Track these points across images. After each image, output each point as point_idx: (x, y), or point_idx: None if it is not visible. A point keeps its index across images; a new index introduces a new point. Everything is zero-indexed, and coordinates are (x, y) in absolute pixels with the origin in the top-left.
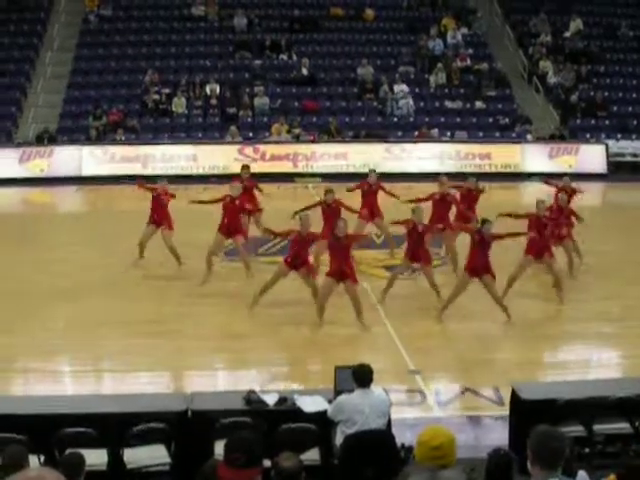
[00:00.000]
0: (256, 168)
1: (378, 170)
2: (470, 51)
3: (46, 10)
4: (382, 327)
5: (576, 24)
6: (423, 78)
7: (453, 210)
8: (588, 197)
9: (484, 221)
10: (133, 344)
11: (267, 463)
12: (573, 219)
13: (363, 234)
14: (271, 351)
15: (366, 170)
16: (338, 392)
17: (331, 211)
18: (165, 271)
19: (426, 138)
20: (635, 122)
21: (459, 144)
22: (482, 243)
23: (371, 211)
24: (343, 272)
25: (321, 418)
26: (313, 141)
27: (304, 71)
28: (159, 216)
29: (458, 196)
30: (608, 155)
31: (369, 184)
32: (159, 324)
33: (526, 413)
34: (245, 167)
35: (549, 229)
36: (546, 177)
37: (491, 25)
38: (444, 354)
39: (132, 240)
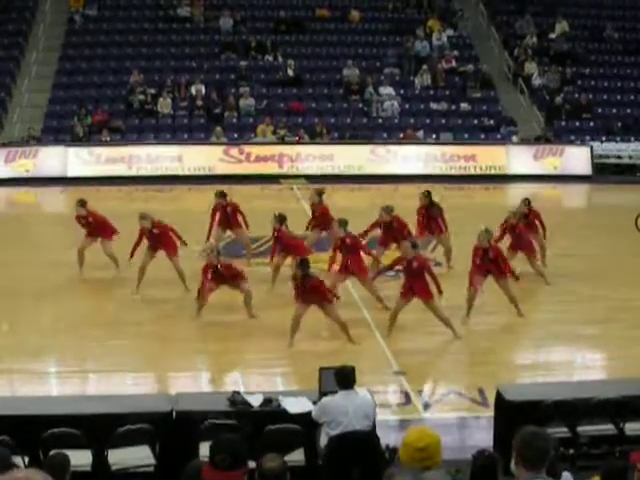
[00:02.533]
0: (241, 169)
1: (363, 172)
2: (455, 53)
3: (31, 10)
4: (367, 329)
5: (561, 26)
6: (408, 80)
7: None
8: (573, 199)
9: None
10: (118, 345)
11: (252, 464)
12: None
13: None
14: (256, 353)
15: (351, 172)
16: (323, 393)
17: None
18: (149, 273)
19: (411, 140)
20: (619, 124)
21: (444, 146)
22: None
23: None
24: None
25: (306, 419)
26: (298, 142)
27: (290, 72)
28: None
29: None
30: (593, 157)
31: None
32: (144, 325)
33: (511, 414)
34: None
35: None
36: None
37: (476, 27)
38: (429, 355)
39: (117, 242)
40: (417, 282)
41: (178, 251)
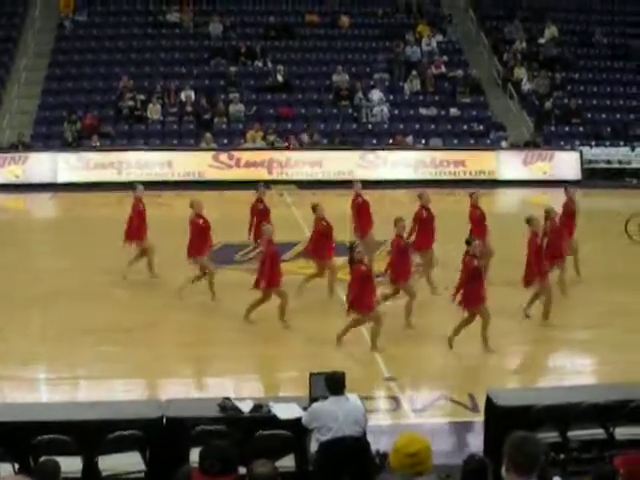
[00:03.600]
0: (231, 175)
1: (352, 177)
2: (445, 58)
3: (21, 16)
4: (358, 335)
5: (551, 31)
6: (398, 85)
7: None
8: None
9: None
10: (108, 351)
11: (243, 470)
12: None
13: None
14: (246, 359)
15: (341, 177)
16: (313, 399)
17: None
18: (139, 279)
19: (401, 145)
20: (609, 129)
21: (434, 151)
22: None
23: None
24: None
25: (296, 425)
26: (287, 148)
27: (279, 78)
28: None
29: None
30: (582, 162)
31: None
32: (134, 331)
33: (501, 419)
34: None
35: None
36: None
37: (466, 32)
38: (419, 361)
39: (106, 248)
40: (482, 282)
41: None
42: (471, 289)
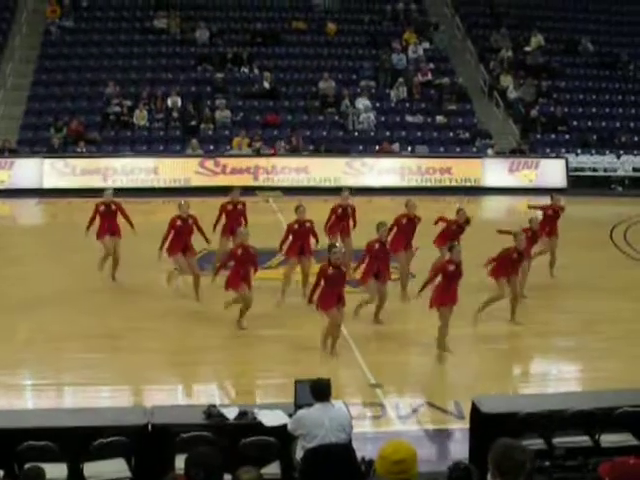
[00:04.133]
0: (217, 181)
1: (339, 184)
2: (431, 65)
3: (7, 21)
4: (343, 341)
5: (537, 39)
6: (384, 92)
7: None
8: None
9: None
10: (93, 358)
11: (228, 477)
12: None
13: None
14: (231, 365)
15: (327, 184)
16: (298, 406)
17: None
18: (124, 285)
19: (387, 152)
20: (595, 137)
21: (420, 159)
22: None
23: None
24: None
25: (282, 432)
26: (274, 154)
27: (266, 84)
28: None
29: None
30: (568, 169)
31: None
32: (119, 338)
33: (486, 426)
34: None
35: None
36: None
37: (452, 40)
38: (405, 368)
39: (92, 253)
40: (455, 286)
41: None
42: (442, 291)
